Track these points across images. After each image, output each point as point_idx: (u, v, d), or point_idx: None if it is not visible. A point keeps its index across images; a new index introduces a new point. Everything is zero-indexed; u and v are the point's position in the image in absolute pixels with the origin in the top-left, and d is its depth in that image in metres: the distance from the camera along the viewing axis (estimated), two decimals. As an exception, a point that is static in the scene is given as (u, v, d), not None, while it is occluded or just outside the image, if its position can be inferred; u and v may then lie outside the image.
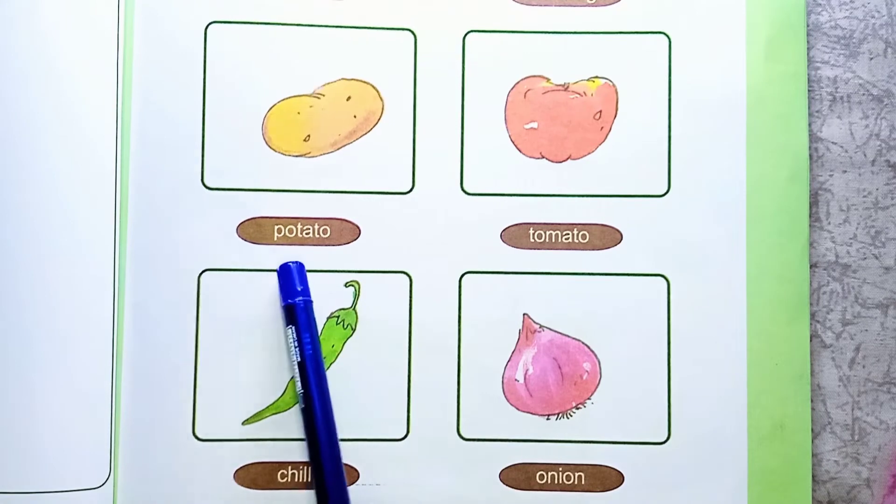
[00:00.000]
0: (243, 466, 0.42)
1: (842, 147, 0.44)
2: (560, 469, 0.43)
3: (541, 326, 0.43)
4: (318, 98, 0.43)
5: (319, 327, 0.43)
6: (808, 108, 0.44)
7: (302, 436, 0.42)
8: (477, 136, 0.44)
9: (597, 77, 0.44)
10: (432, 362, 0.43)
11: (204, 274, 0.43)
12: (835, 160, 0.44)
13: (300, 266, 0.42)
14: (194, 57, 0.43)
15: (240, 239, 0.43)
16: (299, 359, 0.41)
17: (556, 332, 0.43)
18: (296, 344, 0.42)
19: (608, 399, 0.43)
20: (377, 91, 0.44)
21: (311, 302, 0.42)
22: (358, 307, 0.43)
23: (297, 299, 0.42)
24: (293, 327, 0.42)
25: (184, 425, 0.42)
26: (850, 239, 0.44)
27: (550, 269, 0.43)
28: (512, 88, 0.44)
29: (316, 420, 0.41)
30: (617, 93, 0.44)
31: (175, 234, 0.43)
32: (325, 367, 0.43)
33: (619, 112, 0.44)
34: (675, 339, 0.43)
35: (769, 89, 0.43)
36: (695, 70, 0.44)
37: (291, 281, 0.42)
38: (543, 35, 0.44)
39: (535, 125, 0.44)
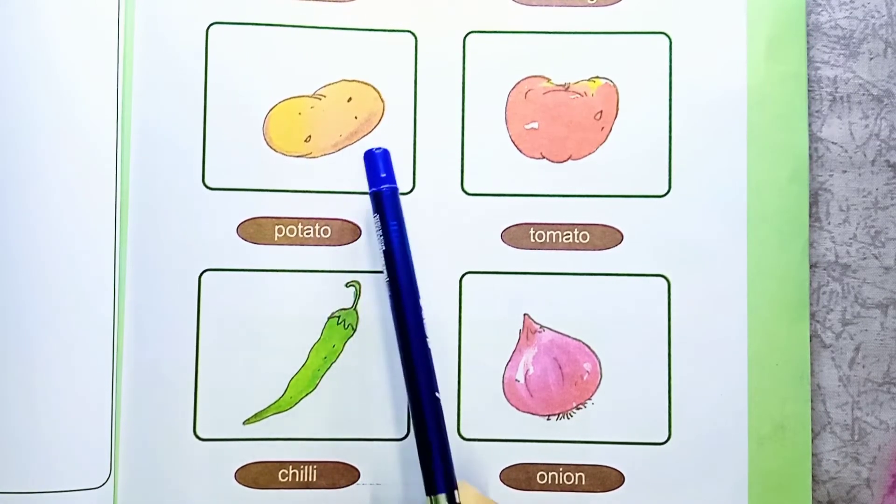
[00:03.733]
0: (244, 466, 0.42)
1: (842, 147, 0.44)
2: (560, 469, 0.43)
3: (541, 327, 0.43)
4: (319, 99, 0.43)
5: (319, 328, 0.43)
6: (808, 108, 0.44)
7: (302, 436, 0.42)
8: (477, 136, 0.44)
9: (597, 77, 0.44)
10: (432, 362, 0.43)
11: (204, 274, 0.43)
12: (835, 160, 0.44)
13: (385, 153, 0.42)
14: (195, 58, 0.43)
15: (240, 239, 0.43)
16: (384, 247, 0.41)
17: (556, 332, 0.43)
18: (380, 232, 0.41)
19: (608, 399, 0.43)
20: (378, 92, 0.44)
21: (397, 189, 0.42)
22: (359, 307, 0.43)
23: (382, 187, 0.41)
24: (379, 215, 0.41)
25: (184, 425, 0.42)
26: (850, 239, 0.44)
27: (551, 270, 0.43)
28: (512, 89, 0.44)
29: (405, 308, 0.41)
30: (617, 93, 0.44)
31: (175, 234, 0.43)
32: (326, 367, 0.43)
33: (619, 112, 0.44)
34: (676, 339, 0.43)
35: (769, 89, 0.43)
36: (695, 70, 0.44)
37: (376, 167, 0.41)
38: (544, 35, 0.44)
39: (535, 125, 0.44)
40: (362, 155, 0.42)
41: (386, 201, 0.41)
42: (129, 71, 0.43)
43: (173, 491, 0.42)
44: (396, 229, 0.41)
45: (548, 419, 0.43)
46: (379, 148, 0.42)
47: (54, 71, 0.41)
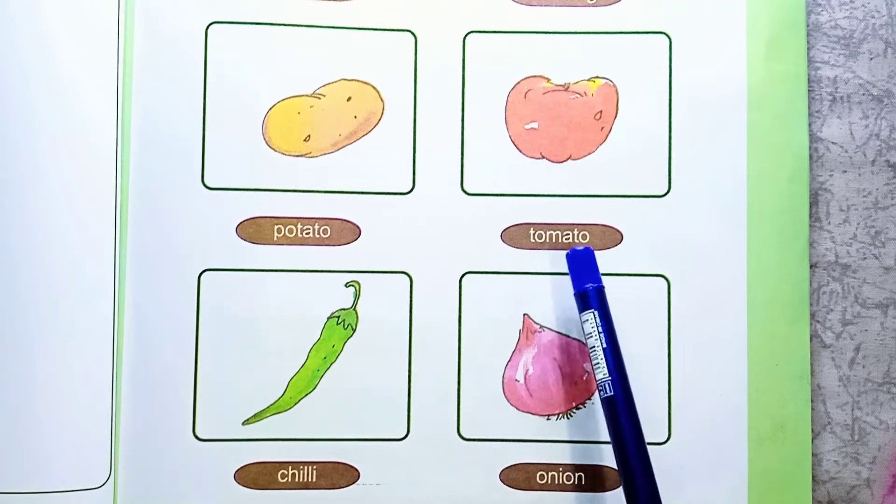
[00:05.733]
0: (244, 466, 0.42)
1: (842, 147, 0.44)
2: (560, 469, 0.43)
3: (541, 326, 0.43)
4: (319, 98, 0.43)
5: (319, 328, 0.43)
6: (808, 108, 0.44)
7: (302, 436, 0.42)
8: (477, 136, 0.44)
9: (597, 77, 0.44)
10: (432, 362, 0.43)
11: (204, 274, 0.43)
12: (835, 160, 0.44)
13: (589, 251, 0.42)
14: (195, 57, 0.43)
15: (239, 239, 0.43)
16: (605, 345, 0.41)
17: (556, 332, 0.43)
18: (600, 329, 0.41)
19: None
20: (377, 91, 0.44)
21: (604, 287, 0.41)
22: (358, 307, 0.43)
23: (593, 285, 0.41)
24: (595, 312, 0.41)
25: (184, 425, 0.42)
26: (850, 239, 0.44)
27: (551, 270, 0.43)
28: (512, 89, 0.44)
29: (619, 410, 0.40)
30: (617, 93, 0.44)
31: (175, 234, 0.43)
32: (326, 368, 0.43)
33: (619, 112, 0.44)
34: (675, 339, 0.43)
35: (769, 89, 0.43)
36: (695, 70, 0.44)
37: (586, 266, 0.41)
38: (543, 35, 0.44)
39: (535, 125, 0.44)
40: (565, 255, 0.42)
41: (601, 300, 0.41)
42: (129, 70, 0.43)
43: (173, 491, 0.42)
44: (608, 327, 0.41)
45: (547, 419, 0.43)
46: (584, 247, 0.42)
47: (54, 71, 0.41)
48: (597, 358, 0.41)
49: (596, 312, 0.41)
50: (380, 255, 0.43)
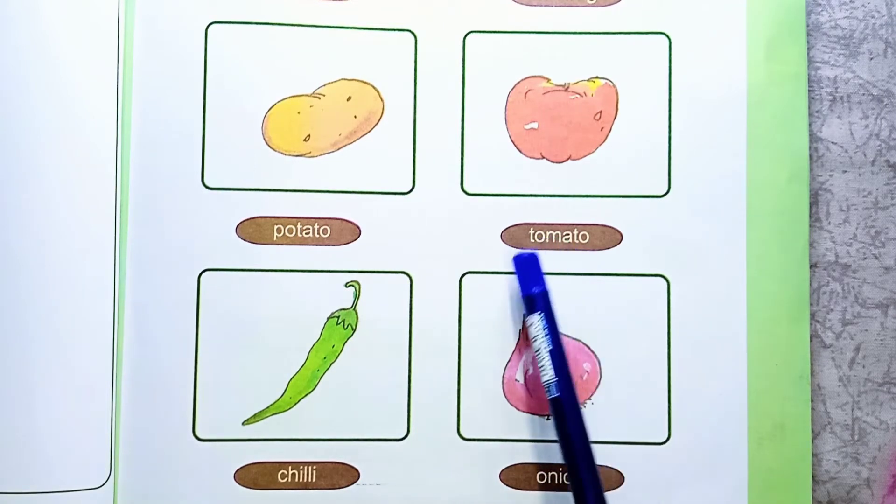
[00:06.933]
0: (243, 466, 0.42)
1: (842, 147, 0.44)
2: (560, 469, 0.43)
3: (541, 326, 0.43)
4: (319, 98, 0.43)
5: (319, 328, 0.43)
6: (808, 108, 0.44)
7: (301, 436, 0.42)
8: (477, 136, 0.44)
9: (597, 77, 0.44)
10: (432, 362, 0.43)
11: (204, 274, 0.43)
12: (835, 160, 0.44)
13: (534, 256, 0.42)
14: (194, 57, 0.43)
15: (239, 239, 0.43)
16: (551, 346, 0.41)
17: (556, 332, 0.43)
18: (546, 332, 0.41)
19: (608, 399, 0.43)
20: (377, 91, 0.44)
21: (548, 292, 0.42)
22: (358, 307, 0.43)
23: (538, 289, 0.42)
24: (541, 314, 0.41)
25: (184, 425, 0.42)
26: (850, 239, 0.44)
27: (550, 270, 0.43)
28: (512, 89, 0.44)
29: (565, 410, 0.41)
30: (617, 93, 0.44)
31: (174, 233, 0.43)
32: (326, 368, 0.43)
33: (619, 112, 0.44)
34: (675, 339, 0.43)
35: (769, 89, 0.43)
36: (695, 70, 0.44)
37: (531, 271, 0.42)
38: (543, 35, 0.44)
39: (535, 125, 0.44)
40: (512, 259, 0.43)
41: (546, 302, 0.42)
42: (129, 70, 0.43)
43: (173, 491, 0.42)
44: (554, 330, 0.42)
45: (547, 419, 0.43)
46: (528, 252, 0.43)
47: (54, 71, 0.41)
48: (542, 360, 0.41)
49: (542, 315, 0.41)
50: (380, 255, 0.43)
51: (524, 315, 0.42)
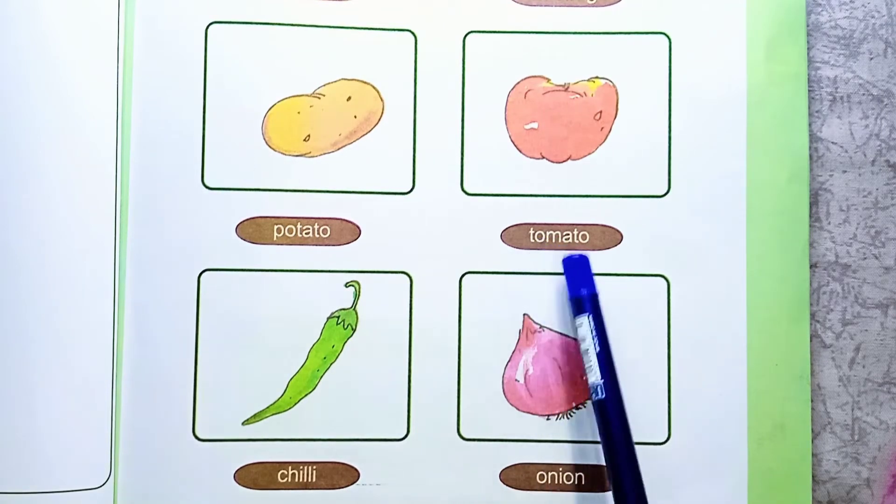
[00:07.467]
0: (243, 466, 0.42)
1: (842, 147, 0.44)
2: (560, 469, 0.43)
3: (541, 327, 0.43)
4: (319, 98, 0.43)
5: (319, 328, 0.43)
6: (808, 108, 0.44)
7: (301, 436, 0.42)
8: (477, 136, 0.44)
9: (597, 77, 0.44)
10: (432, 362, 0.43)
11: (204, 274, 0.43)
12: (835, 160, 0.44)
13: (584, 258, 0.43)
14: (194, 57, 0.43)
15: (239, 239, 0.43)
16: (599, 349, 0.41)
17: (556, 332, 0.43)
18: (594, 333, 0.41)
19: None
20: (377, 91, 0.44)
21: (598, 294, 0.42)
22: (358, 307, 0.43)
23: (587, 291, 0.42)
24: (589, 316, 0.41)
25: (184, 425, 0.42)
26: (850, 239, 0.44)
27: (550, 270, 0.43)
28: (512, 89, 0.44)
29: (609, 412, 0.41)
30: (617, 93, 0.44)
31: (175, 234, 0.43)
32: (326, 368, 0.43)
33: (619, 112, 0.44)
34: (675, 339, 0.43)
35: (769, 89, 0.43)
36: (695, 70, 0.44)
37: (581, 272, 0.42)
38: (543, 35, 0.44)
39: (535, 125, 0.44)
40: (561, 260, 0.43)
41: (596, 304, 0.42)
42: (129, 70, 0.43)
43: (173, 491, 0.42)
44: (603, 332, 0.42)
45: (547, 419, 0.43)
46: (578, 254, 0.43)
47: (54, 71, 0.41)
48: (590, 361, 0.41)
49: (590, 317, 0.41)
50: (380, 255, 0.43)
51: (572, 316, 0.42)
